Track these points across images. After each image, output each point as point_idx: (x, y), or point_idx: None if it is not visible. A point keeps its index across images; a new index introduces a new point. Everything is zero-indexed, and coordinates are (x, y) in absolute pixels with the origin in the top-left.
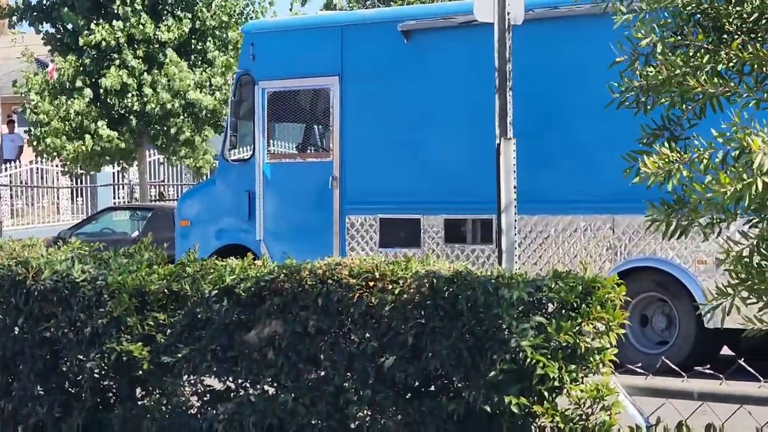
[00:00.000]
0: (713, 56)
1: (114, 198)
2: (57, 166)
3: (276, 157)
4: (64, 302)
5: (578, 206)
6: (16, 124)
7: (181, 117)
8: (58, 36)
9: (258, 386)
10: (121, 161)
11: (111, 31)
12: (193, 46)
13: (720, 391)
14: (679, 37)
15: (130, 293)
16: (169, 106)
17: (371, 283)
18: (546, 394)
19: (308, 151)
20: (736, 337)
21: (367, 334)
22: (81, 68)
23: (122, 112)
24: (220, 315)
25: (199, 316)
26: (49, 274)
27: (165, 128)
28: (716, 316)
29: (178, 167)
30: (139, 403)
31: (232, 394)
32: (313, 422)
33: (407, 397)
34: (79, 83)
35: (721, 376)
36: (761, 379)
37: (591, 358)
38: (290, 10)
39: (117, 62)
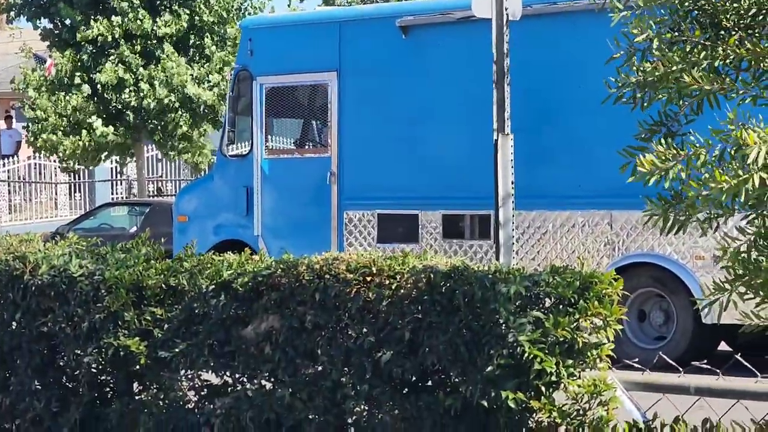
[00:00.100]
0: (710, 52)
1: (112, 194)
2: (55, 161)
3: (274, 152)
4: (62, 297)
5: (576, 202)
6: (14, 120)
7: (179, 112)
8: (56, 32)
9: (255, 381)
10: (118, 157)
11: (108, 27)
12: (190, 42)
13: (717, 386)
14: (676, 33)
15: (127, 288)
16: (166, 101)
17: (368, 278)
18: (543, 389)
19: (306, 147)
20: (734, 333)
21: (365, 329)
22: (79, 64)
23: (119, 107)
24: (217, 310)
25: (196, 311)
26: (47, 269)
27: (162, 123)
28: (713, 311)
29: (176, 163)
30: (137, 397)
31: (229, 389)
32: (310, 417)
33: (404, 391)
34: (77, 79)
35: (718, 371)
36: (758, 374)
37: (588, 354)
38: (288, 6)
39: (113, 57)
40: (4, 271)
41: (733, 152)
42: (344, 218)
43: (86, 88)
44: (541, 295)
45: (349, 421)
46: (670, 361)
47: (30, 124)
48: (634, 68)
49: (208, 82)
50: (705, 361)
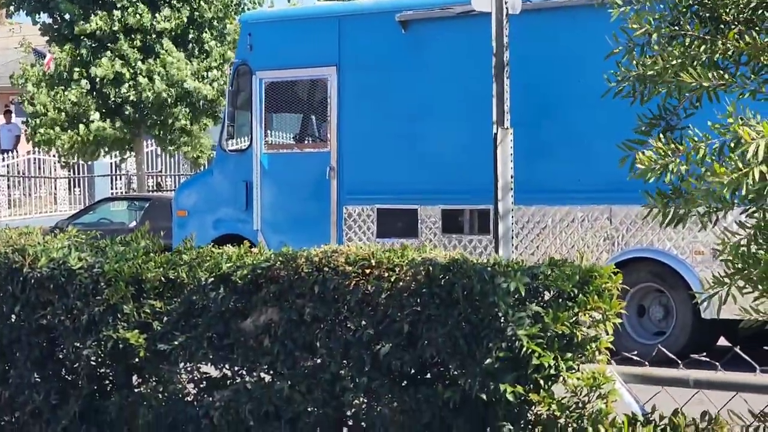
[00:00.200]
0: (710, 46)
1: (111, 188)
2: (54, 156)
3: (273, 147)
4: (61, 290)
5: (575, 196)
6: (13, 115)
7: (178, 106)
8: (55, 26)
9: (254, 374)
10: (117, 152)
11: (108, 21)
12: (189, 37)
13: (716, 378)
14: (676, 28)
15: (126, 281)
16: (164, 95)
17: (367, 271)
18: (542, 382)
19: (306, 142)
20: (733, 328)
21: (363, 322)
22: (78, 58)
23: (118, 102)
24: (216, 302)
25: (195, 303)
26: (46, 262)
27: (162, 118)
28: (713, 306)
29: (176, 158)
30: (136, 390)
31: (228, 382)
32: (309, 409)
33: (403, 384)
34: (75, 74)
35: (717, 364)
36: (757, 367)
37: (587, 347)
38: (288, 0)
39: (111, 52)
40: (3, 264)
41: (732, 145)
42: (343, 213)
43: (85, 83)
44: (540, 288)
45: (348, 413)
46: (670, 354)
47: (29, 119)
48: (634, 62)
49: (208, 76)
50: (704, 353)
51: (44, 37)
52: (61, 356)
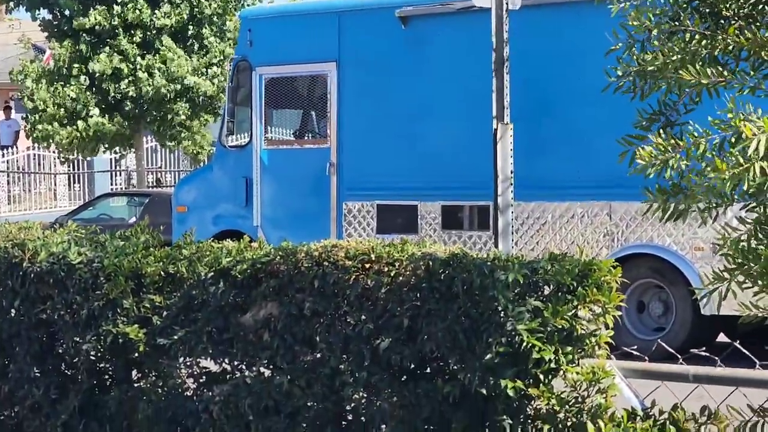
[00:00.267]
0: (710, 42)
1: (111, 184)
2: (54, 152)
3: (273, 143)
4: (60, 284)
5: (575, 192)
6: (12, 111)
7: (178, 103)
8: (55, 22)
9: (254, 368)
10: (117, 147)
11: (107, 15)
12: (189, 33)
13: (715, 373)
14: (676, 23)
15: (126, 276)
16: (164, 90)
17: (367, 266)
18: (542, 376)
19: (305, 138)
20: (733, 324)
21: (363, 316)
22: (77, 54)
23: (118, 97)
24: (216, 297)
25: (195, 298)
26: (46, 257)
27: (161, 113)
28: (712, 302)
29: (175, 154)
30: (135, 385)
31: (227, 376)
32: (308, 404)
33: (403, 379)
34: (75, 70)
35: (717, 358)
36: (757, 361)
37: (587, 341)
38: None
39: (110, 47)
40: (2, 259)
41: (733, 141)
42: (343, 209)
43: (84, 79)
44: (539, 282)
45: (348, 408)
46: (669, 349)
47: (28, 115)
48: (635, 57)
49: (208, 73)
50: (703, 348)
51: (44, 33)
52: (60, 351)
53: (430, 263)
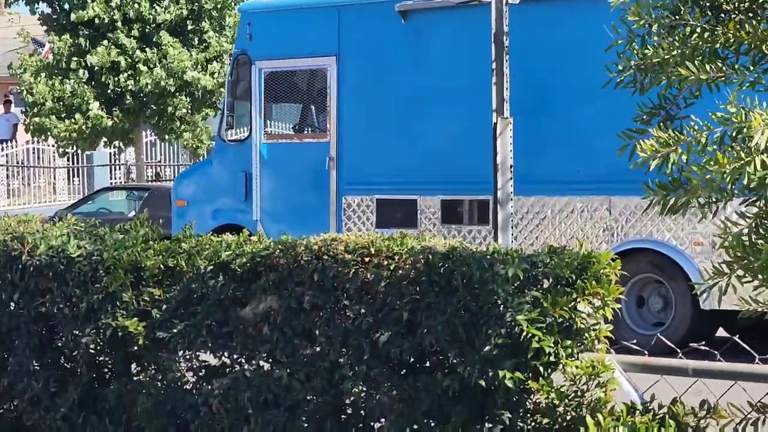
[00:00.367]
0: (710, 36)
1: (110, 178)
2: (53, 146)
3: (273, 137)
4: (60, 278)
5: (575, 187)
6: (12, 105)
7: (178, 97)
8: (54, 16)
9: (253, 362)
10: (116, 142)
11: (105, 8)
12: (189, 27)
13: (715, 368)
14: (676, 17)
15: (125, 269)
16: (163, 83)
17: (367, 259)
18: (541, 369)
19: (305, 132)
20: (732, 319)
21: (363, 310)
22: (75, 47)
23: (117, 91)
24: (215, 290)
25: (194, 291)
26: (45, 250)
27: (161, 107)
28: (712, 297)
29: (175, 148)
30: (135, 378)
31: (227, 370)
32: (308, 398)
33: (402, 372)
34: (73, 63)
35: (716, 353)
36: (756, 356)
37: (586, 334)
38: None
39: (108, 42)
40: (2, 252)
41: (733, 135)
42: (343, 203)
43: (83, 72)
44: (539, 276)
45: (347, 401)
46: (669, 343)
47: (27, 109)
48: (635, 52)
49: (207, 68)
50: (703, 342)
51: (43, 27)
52: (60, 344)
53: (430, 257)
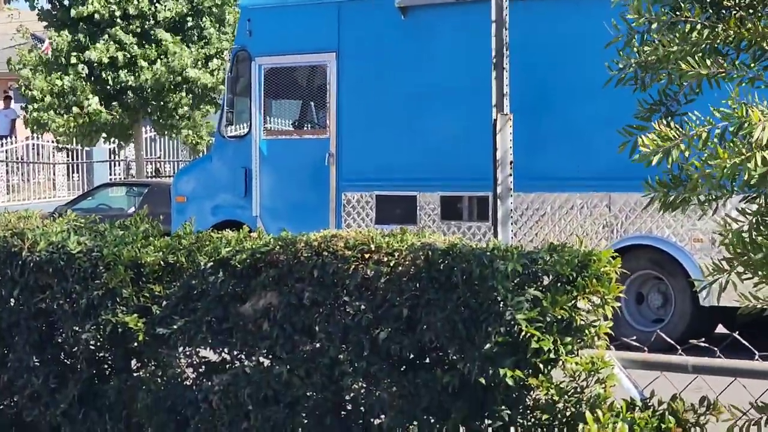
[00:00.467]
0: (711, 32)
1: (110, 174)
2: (52, 142)
3: (272, 133)
4: (60, 274)
5: (575, 184)
6: (12, 101)
7: (178, 93)
8: (54, 12)
9: (253, 358)
10: (116, 138)
11: (105, 4)
12: (188, 24)
13: (715, 364)
14: (676, 14)
15: (125, 265)
16: (162, 79)
17: (367, 255)
18: (541, 366)
19: (305, 128)
20: (732, 315)
21: (363, 306)
22: (75, 43)
23: (117, 87)
24: (215, 287)
25: (194, 288)
26: (45, 246)
27: (162, 104)
28: (712, 294)
29: (175, 143)
30: (135, 374)
31: (227, 366)
32: (308, 394)
33: (402, 369)
34: (73, 59)
35: (716, 349)
36: (756, 352)
37: (586, 331)
38: None
39: (107, 37)
40: (2, 248)
41: (734, 130)
42: (342, 199)
43: (82, 68)
44: (539, 273)
45: (347, 397)
46: (668, 339)
47: (27, 105)
48: (635, 49)
49: (207, 65)
50: (703, 339)
51: (42, 23)
52: (59, 340)
53: (430, 253)
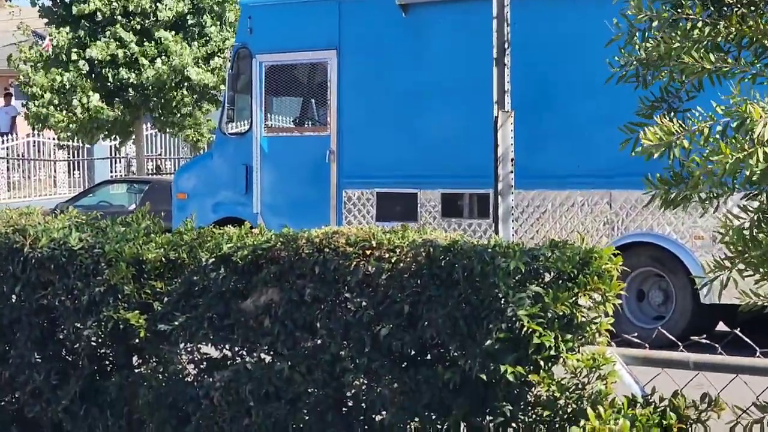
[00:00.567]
0: (712, 29)
1: (111, 171)
2: (53, 139)
3: (273, 130)
4: (62, 270)
5: (575, 181)
6: (13, 98)
7: (179, 91)
8: (55, 9)
9: (254, 354)
10: (117, 135)
11: (106, 2)
12: (189, 22)
13: (716, 361)
14: (678, 11)
15: (127, 261)
16: (164, 76)
17: (368, 252)
18: (542, 363)
19: (305, 125)
20: (732, 313)
21: (364, 303)
22: (75, 40)
23: (118, 84)
24: (216, 283)
25: (196, 284)
26: (47, 242)
27: (163, 101)
28: (713, 291)
29: (175, 141)
30: (136, 370)
31: (228, 362)
32: (309, 390)
33: (403, 365)
34: (73, 56)
35: (717, 346)
36: (758, 349)
37: (587, 328)
38: None
39: (108, 34)
40: (3, 244)
41: (736, 126)
42: (343, 197)
43: (83, 64)
44: (540, 270)
45: (348, 394)
46: (669, 336)
47: (28, 102)
48: (637, 47)
49: (208, 63)
50: (704, 336)
51: (43, 20)
52: (61, 336)
53: (431, 250)
